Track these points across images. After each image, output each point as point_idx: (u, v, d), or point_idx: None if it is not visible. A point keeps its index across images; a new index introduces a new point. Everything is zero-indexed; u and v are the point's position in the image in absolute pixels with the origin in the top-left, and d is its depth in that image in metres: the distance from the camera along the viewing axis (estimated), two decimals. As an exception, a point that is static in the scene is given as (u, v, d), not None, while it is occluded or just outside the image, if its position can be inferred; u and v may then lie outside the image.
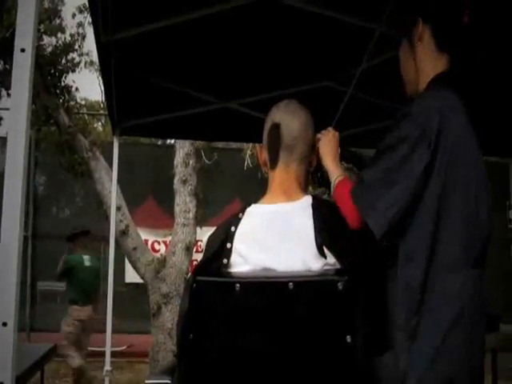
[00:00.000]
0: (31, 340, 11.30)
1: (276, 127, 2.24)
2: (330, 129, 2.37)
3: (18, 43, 1.67)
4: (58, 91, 8.84)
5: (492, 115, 4.63)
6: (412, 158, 1.90)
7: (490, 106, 4.56)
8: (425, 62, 2.18)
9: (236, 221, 2.17)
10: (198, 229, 8.77)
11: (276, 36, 4.03)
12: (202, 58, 4.27)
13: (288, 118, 2.24)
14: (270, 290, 2.01)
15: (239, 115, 5.07)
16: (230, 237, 2.13)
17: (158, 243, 11.38)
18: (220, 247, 2.13)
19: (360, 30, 3.81)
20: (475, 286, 1.91)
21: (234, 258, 2.10)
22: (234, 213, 2.23)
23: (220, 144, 11.60)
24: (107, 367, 4.99)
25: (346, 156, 2.40)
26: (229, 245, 2.12)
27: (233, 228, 2.14)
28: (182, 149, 8.31)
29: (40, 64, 8.54)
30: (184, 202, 8.28)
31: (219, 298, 2.04)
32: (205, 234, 10.99)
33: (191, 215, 8.29)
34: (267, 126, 2.30)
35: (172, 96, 4.71)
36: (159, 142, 17.14)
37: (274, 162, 2.25)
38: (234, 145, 12.31)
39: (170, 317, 7.90)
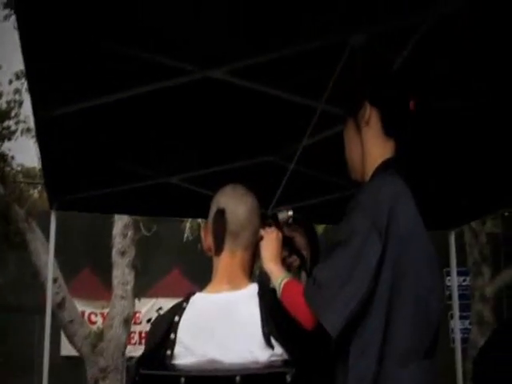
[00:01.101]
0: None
1: (221, 213, 2.20)
2: (273, 229, 2.29)
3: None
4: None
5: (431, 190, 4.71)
6: (364, 252, 1.87)
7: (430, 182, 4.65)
8: (372, 147, 2.15)
9: (180, 310, 2.11)
10: (137, 300, 8.63)
11: (217, 112, 4.03)
12: (142, 133, 4.25)
13: (233, 204, 2.20)
14: (216, 382, 1.94)
15: (179, 190, 5.03)
16: (173, 327, 2.07)
17: (95, 315, 11.14)
18: (163, 338, 2.06)
19: (302, 107, 3.84)
20: (427, 376, 1.88)
21: (178, 349, 2.03)
22: (177, 301, 2.17)
23: (159, 214, 11.52)
24: None
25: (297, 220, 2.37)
26: (172, 335, 2.05)
27: (176, 318, 2.08)
28: (121, 220, 8.25)
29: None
30: (122, 273, 8.18)
31: (163, 393, 1.97)
32: (143, 305, 10.87)
33: (129, 287, 8.18)
34: (212, 211, 2.25)
35: (111, 171, 4.66)
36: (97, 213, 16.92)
37: (219, 248, 2.20)
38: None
39: (107, 392, 7.69)
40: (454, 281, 6.55)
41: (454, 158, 4.52)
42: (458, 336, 6.07)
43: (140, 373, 1.99)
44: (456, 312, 6.17)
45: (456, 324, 6.16)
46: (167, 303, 11.19)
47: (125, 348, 8.11)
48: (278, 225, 2.31)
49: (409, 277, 1.90)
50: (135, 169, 4.73)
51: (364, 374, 1.82)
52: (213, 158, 4.62)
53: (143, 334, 11.23)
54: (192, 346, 2.02)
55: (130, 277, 8.19)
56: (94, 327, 8.79)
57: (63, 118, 3.72)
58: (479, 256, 11.74)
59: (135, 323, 9.40)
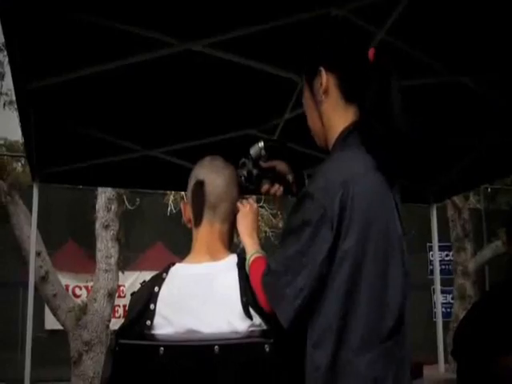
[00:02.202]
0: None
1: (200, 185, 2.20)
2: (251, 201, 2.26)
3: None
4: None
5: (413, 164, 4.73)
6: (315, 243, 1.80)
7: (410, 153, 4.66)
8: (332, 116, 2.00)
9: (159, 281, 2.12)
10: (121, 273, 8.63)
11: (199, 85, 4.03)
12: (124, 106, 4.24)
13: (212, 176, 2.21)
14: (195, 353, 1.96)
15: (162, 163, 5.03)
16: (153, 297, 2.08)
17: (80, 288, 11.15)
18: (143, 308, 2.07)
19: (284, 80, 3.85)
20: (387, 360, 1.80)
21: (157, 319, 2.04)
22: (157, 272, 2.18)
23: (143, 188, 11.51)
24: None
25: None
26: (152, 306, 2.06)
27: (156, 288, 2.09)
28: (104, 193, 8.22)
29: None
30: (106, 247, 8.17)
31: (143, 362, 1.98)
32: (127, 278, 10.87)
33: (113, 261, 8.17)
34: (191, 183, 2.26)
35: (94, 143, 4.65)
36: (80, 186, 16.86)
37: (198, 219, 2.21)
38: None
39: (91, 365, 7.73)
40: (435, 255, 6.60)
41: (435, 132, 4.55)
42: (439, 310, 6.13)
43: (119, 343, 2.00)
44: (437, 286, 6.22)
45: (438, 298, 6.20)
46: (151, 276, 11.23)
47: (109, 321, 8.12)
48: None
49: (367, 264, 1.82)
50: (117, 142, 4.73)
51: (320, 362, 1.79)
52: (195, 131, 4.62)
53: (127, 308, 11.26)
54: (171, 317, 2.04)
55: (113, 250, 8.18)
56: (79, 300, 8.78)
57: (44, 91, 3.71)
58: (462, 231, 11.81)
59: (119, 296, 9.42)
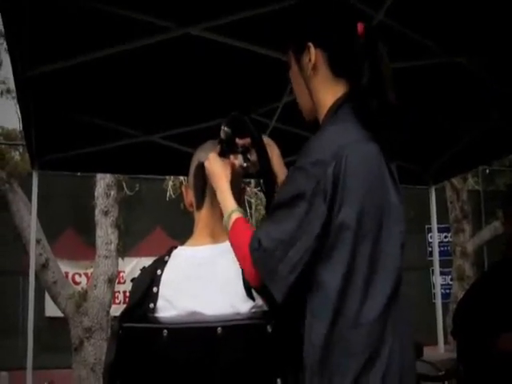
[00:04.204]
0: None
1: (201, 167, 2.21)
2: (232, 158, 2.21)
3: None
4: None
5: (412, 145, 4.75)
6: (309, 216, 1.78)
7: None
8: (322, 92, 1.97)
9: (162, 264, 2.13)
10: (120, 260, 8.65)
11: (197, 69, 4.03)
12: (123, 91, 4.24)
13: None
14: (198, 335, 1.97)
15: (161, 148, 5.04)
16: (156, 281, 2.09)
17: (79, 275, 11.16)
18: (146, 291, 2.09)
19: (283, 63, 3.83)
20: (384, 333, 1.78)
21: (160, 302, 2.06)
22: (159, 255, 2.20)
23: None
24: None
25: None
26: (155, 289, 2.07)
27: (159, 271, 2.11)
28: (103, 180, 8.22)
29: None
30: (106, 233, 8.18)
31: (146, 345, 2.00)
32: (127, 264, 10.88)
33: (113, 247, 8.18)
34: (192, 166, 2.27)
35: (93, 129, 4.65)
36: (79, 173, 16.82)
37: (199, 202, 2.22)
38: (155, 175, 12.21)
39: (92, 351, 7.75)
40: (434, 237, 6.63)
41: (435, 114, 4.55)
42: (438, 291, 6.15)
43: (123, 326, 2.02)
44: (437, 268, 6.25)
45: (437, 280, 6.23)
46: (150, 262, 11.24)
47: (109, 307, 8.15)
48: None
49: (363, 234, 1.79)
50: (117, 127, 4.73)
51: (317, 337, 1.78)
52: (193, 116, 4.63)
53: (127, 294, 11.26)
54: (174, 300, 2.05)
55: (113, 236, 8.20)
56: (78, 287, 8.80)
57: (43, 78, 3.71)
58: (460, 213, 11.85)
59: (119, 283, 9.43)
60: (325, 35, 1.97)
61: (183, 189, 2.35)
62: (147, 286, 2.10)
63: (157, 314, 2.05)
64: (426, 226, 12.05)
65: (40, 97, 3.98)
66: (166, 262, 2.13)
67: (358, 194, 1.79)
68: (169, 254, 2.16)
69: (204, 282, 2.05)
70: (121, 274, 9.67)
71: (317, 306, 1.80)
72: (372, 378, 1.74)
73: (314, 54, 1.96)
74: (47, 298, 9.40)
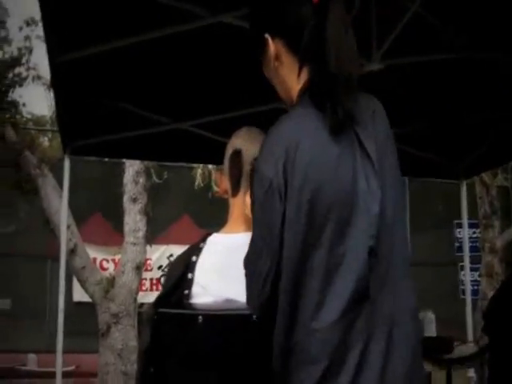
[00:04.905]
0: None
1: (237, 154, 2.21)
2: None
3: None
4: (4, 106, 8.66)
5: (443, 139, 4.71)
6: (266, 221, 1.73)
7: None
8: (290, 80, 1.87)
9: (197, 251, 2.13)
10: (148, 247, 8.67)
11: (231, 57, 4.02)
12: (155, 78, 4.24)
13: (249, 145, 2.21)
14: (233, 322, 1.97)
15: (191, 136, 5.03)
16: (191, 267, 2.09)
17: (107, 261, 11.21)
18: (180, 278, 2.09)
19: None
20: (346, 337, 1.65)
21: (195, 288, 2.06)
22: (194, 242, 2.20)
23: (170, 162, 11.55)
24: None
25: None
26: (190, 275, 2.07)
27: (194, 258, 2.11)
28: (132, 167, 8.23)
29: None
30: (134, 220, 8.20)
31: (181, 331, 2.00)
32: (154, 252, 10.93)
33: (141, 234, 8.20)
34: (228, 153, 2.26)
35: (124, 116, 4.66)
36: (106, 159, 16.90)
37: (235, 189, 2.22)
38: (184, 163, 12.22)
39: (119, 337, 7.79)
40: (465, 233, 6.56)
41: (468, 107, 4.52)
42: (468, 288, 6.10)
43: (158, 311, 2.02)
44: (467, 264, 6.20)
45: (467, 276, 6.18)
46: (178, 250, 11.25)
47: (136, 294, 8.18)
48: None
49: (314, 232, 1.68)
50: (147, 114, 4.73)
51: (275, 343, 1.71)
52: (225, 104, 4.62)
53: (154, 281, 11.33)
54: (209, 286, 2.05)
55: (141, 223, 8.21)
56: (106, 273, 8.85)
57: (77, 63, 3.72)
58: (489, 208, 11.74)
59: (146, 270, 9.46)
60: (276, 23, 1.90)
61: (217, 176, 2.34)
62: (182, 272, 2.10)
63: (191, 301, 2.05)
64: (454, 222, 11.94)
65: (73, 82, 4.00)
66: (201, 248, 2.13)
67: (303, 190, 1.68)
68: (204, 240, 2.16)
69: (238, 269, 2.04)
70: (148, 262, 9.70)
71: (279, 316, 1.71)
72: None
73: (271, 44, 1.88)
74: (75, 283, 9.46)
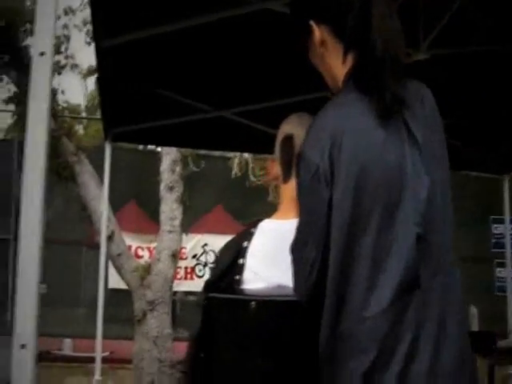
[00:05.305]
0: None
1: (289, 139, 2.20)
2: None
3: (37, 47, 1.60)
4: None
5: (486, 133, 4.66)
6: (314, 208, 1.73)
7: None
8: (335, 67, 1.87)
9: (248, 236, 2.12)
10: (183, 236, 8.70)
11: (275, 45, 3.99)
12: (197, 66, 4.23)
13: (300, 129, 2.18)
14: (285, 308, 1.96)
15: (233, 124, 5.02)
16: (242, 253, 2.08)
17: (142, 249, 11.24)
18: (231, 263, 2.08)
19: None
20: (395, 328, 1.63)
21: (246, 274, 2.05)
22: (245, 228, 2.19)
23: (207, 151, 11.56)
24: (97, 376, 4.87)
25: None
26: (241, 261, 2.07)
27: (245, 243, 2.10)
28: (169, 155, 8.24)
29: (26, 64, 8.45)
30: (170, 208, 8.20)
31: (232, 316, 1.99)
32: (188, 241, 10.94)
33: (177, 222, 8.20)
34: (279, 138, 2.26)
35: (165, 103, 4.66)
36: (140, 147, 16.97)
37: (286, 175, 2.20)
38: (221, 153, 12.22)
39: (154, 324, 7.81)
40: (507, 228, 6.49)
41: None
42: (510, 284, 6.04)
43: (208, 297, 2.01)
44: (509, 260, 6.13)
45: (509, 272, 6.11)
46: (212, 239, 11.32)
47: (172, 282, 8.20)
48: None
49: (361, 217, 1.67)
50: (190, 102, 4.72)
51: (324, 329, 1.69)
52: (268, 93, 4.59)
53: (188, 270, 11.35)
54: (261, 272, 2.04)
55: (177, 212, 8.21)
56: (142, 261, 8.88)
57: (122, 48, 3.72)
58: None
59: (181, 259, 9.47)
60: (321, 10, 1.89)
61: (269, 162, 2.33)
62: (233, 257, 2.09)
63: (243, 286, 2.04)
64: (491, 217, 11.81)
65: (117, 68, 4.00)
66: (253, 234, 2.12)
67: (350, 175, 1.67)
68: (255, 226, 2.15)
69: (289, 255, 2.03)
70: (182, 251, 9.71)
71: (326, 305, 1.69)
72: (387, 378, 1.60)
73: (317, 31, 1.88)
74: (111, 270, 9.52)
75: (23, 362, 1.45)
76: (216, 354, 2.00)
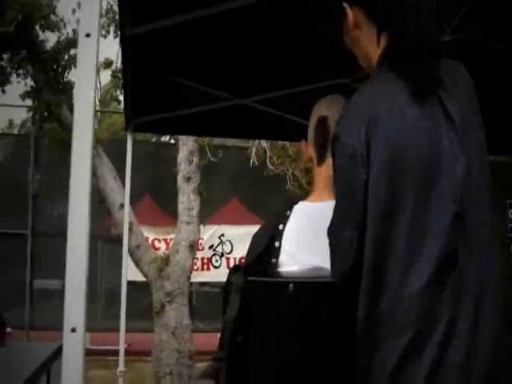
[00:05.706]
0: (30, 338, 11.24)
1: (323, 121, 2.20)
2: None
3: (83, 28, 1.61)
4: (60, 87, 8.74)
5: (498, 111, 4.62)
6: (351, 190, 1.73)
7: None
8: (369, 48, 1.89)
9: (283, 219, 2.12)
10: (201, 226, 8.71)
11: (294, 32, 3.98)
12: (217, 54, 4.22)
13: (334, 111, 2.19)
14: (323, 289, 1.96)
15: (254, 112, 5.01)
16: (277, 235, 2.08)
17: (159, 241, 11.27)
18: (267, 246, 2.08)
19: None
20: (432, 308, 1.62)
21: (282, 257, 2.05)
22: (279, 210, 2.18)
23: (224, 141, 11.56)
24: (121, 368, 4.89)
25: None
26: (277, 243, 2.07)
27: (281, 226, 2.10)
28: (186, 146, 8.25)
29: (43, 59, 8.48)
30: (188, 199, 8.22)
31: (271, 299, 1.99)
32: (205, 231, 10.96)
33: (195, 213, 8.22)
34: (313, 121, 2.25)
35: (186, 93, 4.65)
36: (153, 139, 17.02)
37: (321, 157, 2.21)
38: (238, 142, 12.22)
39: (173, 315, 7.84)
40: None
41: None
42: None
43: (247, 280, 2.01)
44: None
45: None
46: (229, 230, 11.33)
47: (190, 273, 8.22)
48: None
49: (397, 200, 1.66)
50: (210, 90, 4.71)
51: (362, 308, 1.68)
52: (288, 80, 4.57)
53: (205, 260, 11.38)
54: (297, 254, 2.04)
55: (195, 202, 8.23)
56: (160, 253, 8.90)
57: (142, 37, 3.71)
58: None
59: (198, 249, 9.48)
60: None
61: (302, 145, 2.32)
62: (268, 240, 2.09)
63: (279, 269, 2.04)
64: (508, 202, 11.78)
65: (140, 57, 3.99)
66: (288, 216, 2.12)
67: (387, 156, 1.67)
68: (290, 208, 2.15)
69: (325, 237, 2.02)
70: (199, 241, 9.72)
71: (363, 286, 1.69)
72: (424, 358, 1.59)
73: (350, 13, 1.91)
74: (128, 262, 9.55)
75: (74, 344, 1.48)
76: (253, 336, 2.00)
